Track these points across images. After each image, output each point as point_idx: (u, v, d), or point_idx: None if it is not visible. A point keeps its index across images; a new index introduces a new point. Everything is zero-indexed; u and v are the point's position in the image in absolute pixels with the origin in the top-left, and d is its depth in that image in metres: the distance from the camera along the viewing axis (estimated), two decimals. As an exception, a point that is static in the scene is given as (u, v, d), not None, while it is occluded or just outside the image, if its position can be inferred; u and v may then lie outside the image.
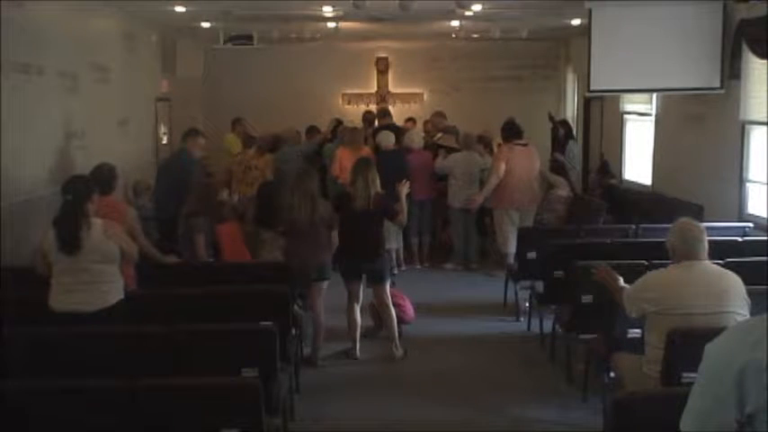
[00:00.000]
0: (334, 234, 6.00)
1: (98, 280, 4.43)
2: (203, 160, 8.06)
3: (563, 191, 9.01)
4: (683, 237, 4.05)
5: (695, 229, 4.07)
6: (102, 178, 5.35)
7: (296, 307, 5.77)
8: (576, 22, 10.25)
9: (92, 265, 4.41)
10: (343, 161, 8.65)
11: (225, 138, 10.83)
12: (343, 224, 6.00)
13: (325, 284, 6.07)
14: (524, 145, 8.53)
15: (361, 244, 6.01)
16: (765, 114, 6.98)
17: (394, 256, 8.59)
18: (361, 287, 6.16)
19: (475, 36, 12.18)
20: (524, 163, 8.40)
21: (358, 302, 6.15)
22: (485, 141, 9.53)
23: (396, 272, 8.23)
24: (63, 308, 4.39)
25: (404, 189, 6.26)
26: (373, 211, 5.99)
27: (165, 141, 10.98)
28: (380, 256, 6.14)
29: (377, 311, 6.43)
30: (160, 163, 7.79)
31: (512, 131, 8.52)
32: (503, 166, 8.28)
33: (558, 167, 10.03)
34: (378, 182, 6.04)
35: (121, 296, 4.53)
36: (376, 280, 6.14)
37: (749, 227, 7.02)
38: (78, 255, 4.36)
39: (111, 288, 4.49)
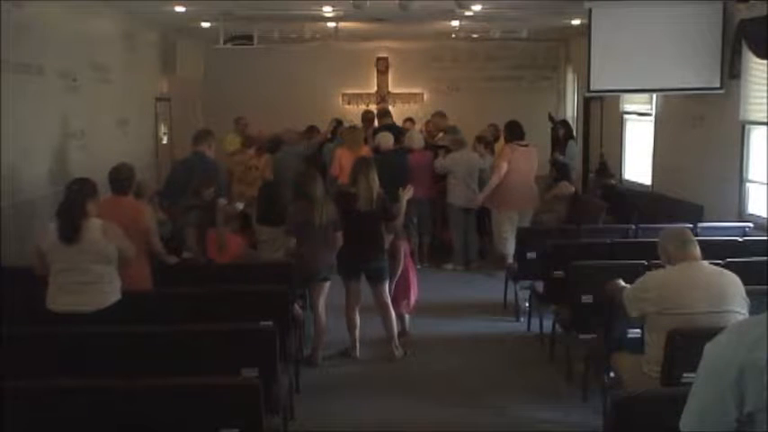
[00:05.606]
0: (339, 235, 5.99)
1: (96, 280, 4.44)
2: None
3: (567, 192, 8.88)
4: (677, 239, 4.12)
5: (686, 231, 4.24)
6: (122, 178, 5.31)
7: (297, 307, 5.77)
8: (576, 22, 10.25)
9: (89, 266, 4.41)
10: (342, 161, 8.64)
11: (225, 138, 10.77)
12: (345, 224, 5.96)
13: (327, 285, 6.07)
14: (526, 146, 8.55)
15: (365, 243, 5.98)
16: (765, 114, 6.99)
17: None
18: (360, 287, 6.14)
19: (475, 36, 12.19)
20: (525, 164, 8.42)
21: (357, 302, 6.15)
22: (485, 141, 9.52)
23: None
24: (61, 308, 4.40)
25: (407, 193, 6.15)
26: (376, 210, 5.97)
27: (165, 141, 10.97)
28: (382, 256, 6.12)
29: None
30: (175, 165, 7.65)
31: (515, 132, 8.54)
32: (505, 166, 8.29)
33: (560, 168, 9.95)
34: (377, 181, 6.01)
35: (119, 297, 4.53)
36: (376, 279, 6.12)
37: (749, 227, 7.02)
38: (77, 248, 4.37)
39: (109, 288, 4.50)
